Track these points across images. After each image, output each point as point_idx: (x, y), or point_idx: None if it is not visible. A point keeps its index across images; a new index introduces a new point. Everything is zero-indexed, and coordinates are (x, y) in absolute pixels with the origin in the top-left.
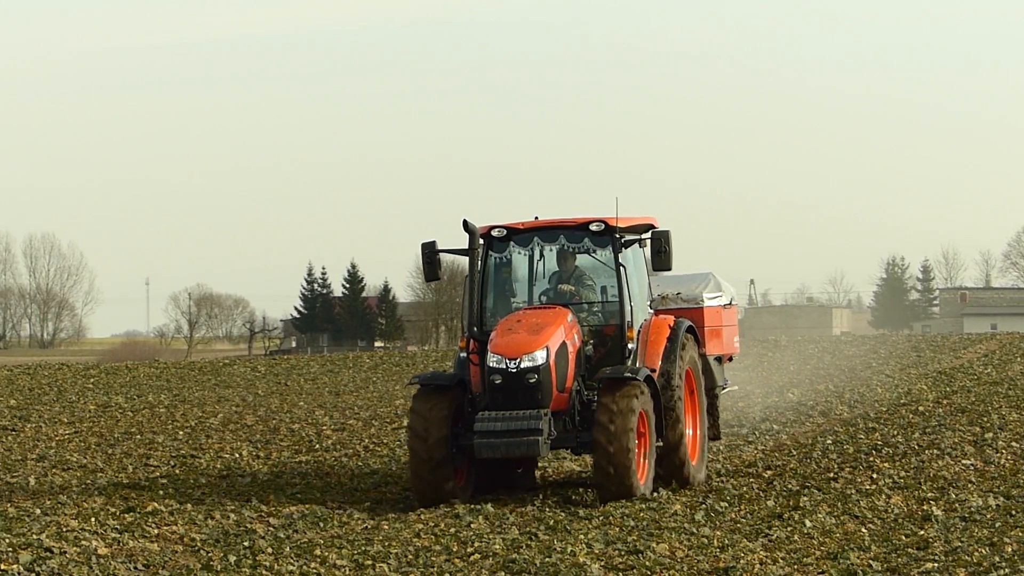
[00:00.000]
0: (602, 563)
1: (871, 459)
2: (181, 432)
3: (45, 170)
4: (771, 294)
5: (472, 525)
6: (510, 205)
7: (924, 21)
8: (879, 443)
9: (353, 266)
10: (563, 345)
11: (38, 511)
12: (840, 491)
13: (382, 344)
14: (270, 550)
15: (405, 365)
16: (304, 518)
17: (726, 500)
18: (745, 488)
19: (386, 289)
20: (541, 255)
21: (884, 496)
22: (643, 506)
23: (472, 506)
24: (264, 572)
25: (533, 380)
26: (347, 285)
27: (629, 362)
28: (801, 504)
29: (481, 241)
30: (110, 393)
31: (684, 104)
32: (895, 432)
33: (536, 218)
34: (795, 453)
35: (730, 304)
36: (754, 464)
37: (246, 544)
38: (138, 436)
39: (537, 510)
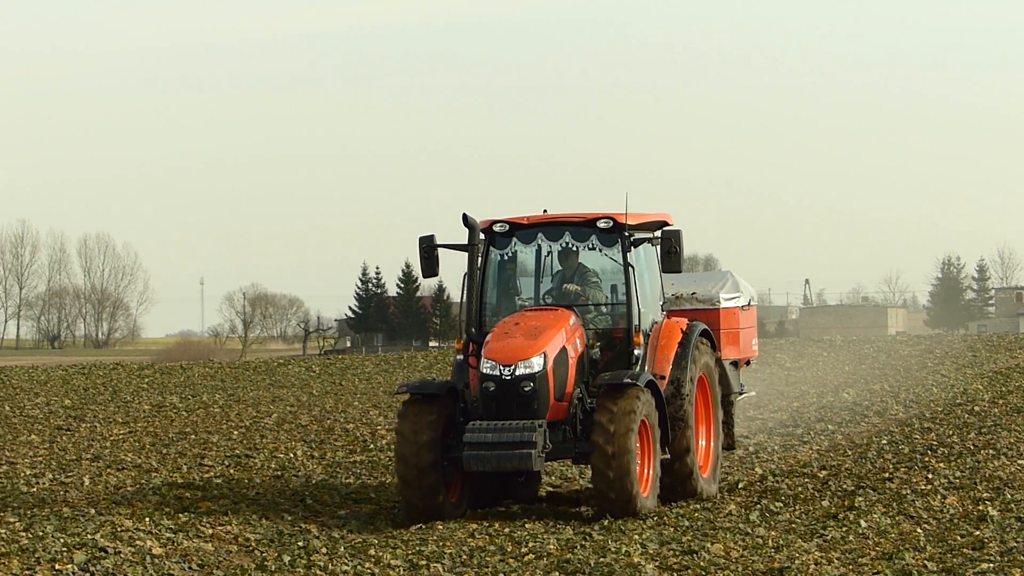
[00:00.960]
0: (656, 563)
1: (926, 459)
2: (235, 432)
3: (100, 170)
4: (826, 294)
5: (526, 525)
6: (569, 203)
7: (979, 22)
8: (934, 443)
9: (407, 266)
10: (563, 351)
11: (92, 511)
12: (895, 491)
13: (436, 344)
14: (324, 550)
15: None
16: (358, 518)
17: (781, 500)
18: (800, 488)
19: (440, 289)
20: (549, 252)
21: (939, 496)
22: (697, 506)
23: (526, 506)
24: (318, 572)
25: (529, 389)
26: (401, 285)
27: (637, 368)
28: (856, 504)
29: (482, 236)
30: (165, 393)
31: (740, 106)
32: (951, 432)
33: (544, 211)
34: (850, 453)
35: (748, 305)
36: (809, 464)
37: (300, 544)
38: (192, 436)
39: (591, 510)
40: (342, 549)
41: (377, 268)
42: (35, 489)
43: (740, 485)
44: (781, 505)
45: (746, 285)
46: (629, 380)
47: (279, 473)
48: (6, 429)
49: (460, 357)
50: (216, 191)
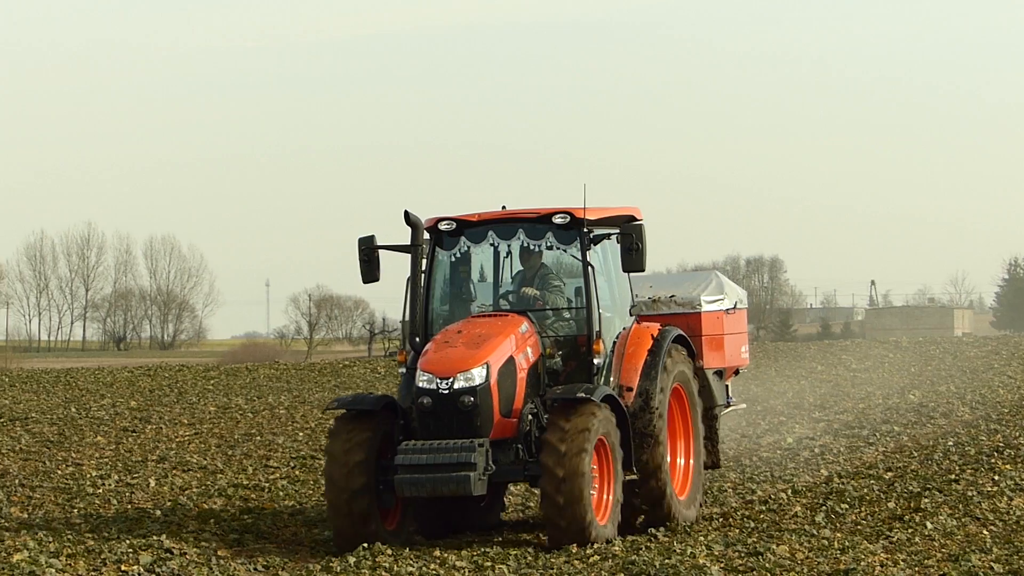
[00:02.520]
0: (722, 565)
1: (993, 461)
2: (301, 433)
3: (166, 172)
4: (892, 295)
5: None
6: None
7: None
8: (1001, 445)
9: None
10: (510, 361)
11: (158, 512)
12: (961, 493)
13: None
14: (390, 551)
15: None
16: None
17: (846, 502)
18: (866, 490)
19: None
20: (508, 252)
21: (1006, 498)
22: (763, 508)
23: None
24: (383, 573)
25: (469, 404)
26: None
27: (600, 379)
28: (922, 506)
29: (427, 236)
30: (230, 394)
31: (805, 109)
32: (1017, 434)
33: (503, 208)
34: (916, 455)
35: (734, 308)
36: (875, 466)
37: (365, 545)
38: (258, 437)
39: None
40: (407, 550)
41: None
42: (101, 490)
43: (806, 487)
44: (847, 507)
45: (733, 287)
46: (583, 395)
47: None
48: (72, 431)
49: (404, 370)
50: (282, 193)
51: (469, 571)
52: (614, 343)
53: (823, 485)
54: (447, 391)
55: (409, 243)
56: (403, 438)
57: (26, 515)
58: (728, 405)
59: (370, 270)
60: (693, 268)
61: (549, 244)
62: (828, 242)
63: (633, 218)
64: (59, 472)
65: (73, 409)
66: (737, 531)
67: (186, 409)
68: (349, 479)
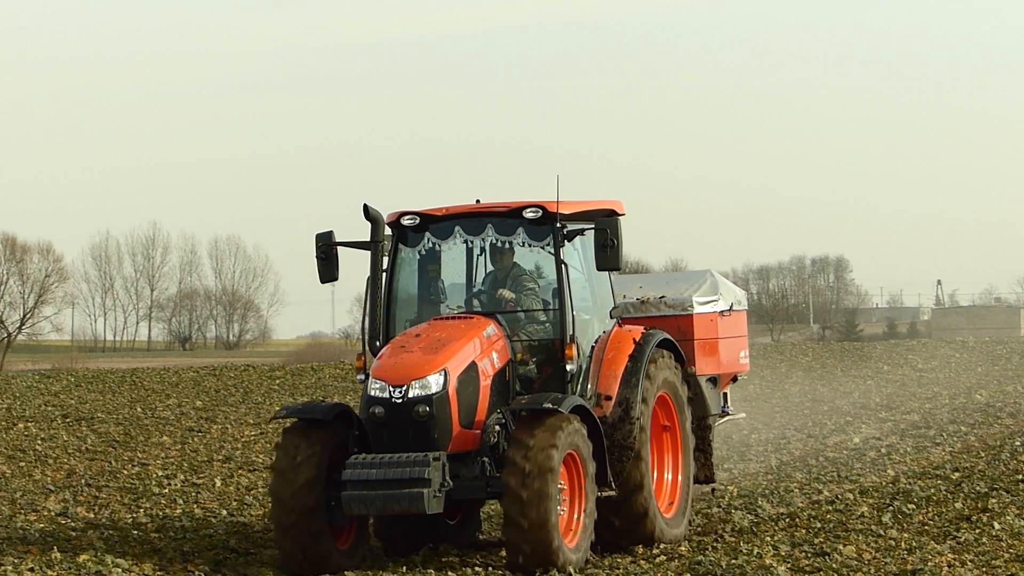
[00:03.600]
0: (788, 565)
1: None
2: None
3: (230, 172)
4: (958, 295)
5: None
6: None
7: None
8: None
9: None
10: (472, 367)
11: (224, 512)
12: None
13: None
14: (455, 550)
15: None
16: (489, 520)
17: (913, 502)
18: (933, 490)
19: None
20: (482, 250)
21: None
22: (829, 508)
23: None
24: (450, 574)
25: (424, 414)
26: None
27: (573, 388)
28: (989, 506)
29: (388, 232)
30: (296, 394)
31: (872, 109)
32: None
33: (477, 202)
34: (983, 455)
35: (730, 310)
36: (942, 466)
37: (431, 545)
38: None
39: (723, 512)
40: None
41: None
42: (167, 490)
43: (872, 487)
44: (914, 507)
45: (729, 287)
46: (549, 405)
47: None
48: (138, 431)
49: (362, 377)
50: (345, 191)
51: (540, 571)
52: (592, 348)
53: (890, 485)
54: (400, 400)
55: (369, 239)
56: (358, 451)
57: (92, 515)
58: (724, 415)
59: (328, 269)
60: (758, 268)
61: (521, 240)
62: (894, 242)
63: (615, 212)
64: (125, 472)
65: (139, 409)
66: (804, 531)
67: (251, 409)
68: (297, 498)
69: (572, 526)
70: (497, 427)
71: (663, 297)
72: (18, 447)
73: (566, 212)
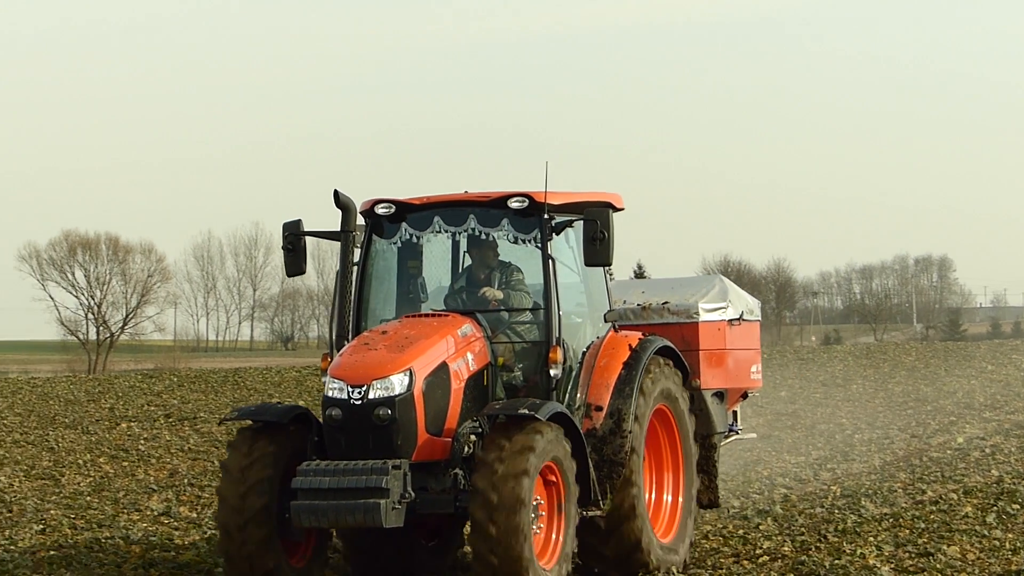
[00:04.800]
0: (892, 566)
1: None
2: None
3: (331, 171)
4: None
5: (760, 527)
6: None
7: None
8: None
9: (639, 266)
10: (442, 368)
11: None
12: None
13: None
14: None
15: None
16: None
17: (1018, 502)
18: None
19: None
20: (469, 244)
21: None
22: (933, 508)
23: (760, 508)
24: None
25: (386, 417)
26: None
27: (560, 396)
28: None
29: (361, 221)
30: None
31: (981, 108)
32: None
33: (465, 192)
34: None
35: (740, 319)
36: None
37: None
38: None
39: (827, 512)
40: None
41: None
42: None
43: (976, 487)
44: (1018, 507)
45: (740, 294)
46: (525, 411)
47: None
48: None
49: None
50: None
51: (642, 572)
52: (583, 354)
53: (994, 485)
54: (360, 402)
55: (340, 229)
56: (317, 457)
57: (195, 515)
58: (731, 433)
59: (295, 260)
60: (861, 268)
61: (506, 233)
62: (998, 240)
63: (612, 206)
64: None
65: None
66: (907, 531)
67: None
68: (245, 500)
69: (549, 546)
70: (473, 436)
71: (666, 303)
72: (121, 447)
73: (555, 203)
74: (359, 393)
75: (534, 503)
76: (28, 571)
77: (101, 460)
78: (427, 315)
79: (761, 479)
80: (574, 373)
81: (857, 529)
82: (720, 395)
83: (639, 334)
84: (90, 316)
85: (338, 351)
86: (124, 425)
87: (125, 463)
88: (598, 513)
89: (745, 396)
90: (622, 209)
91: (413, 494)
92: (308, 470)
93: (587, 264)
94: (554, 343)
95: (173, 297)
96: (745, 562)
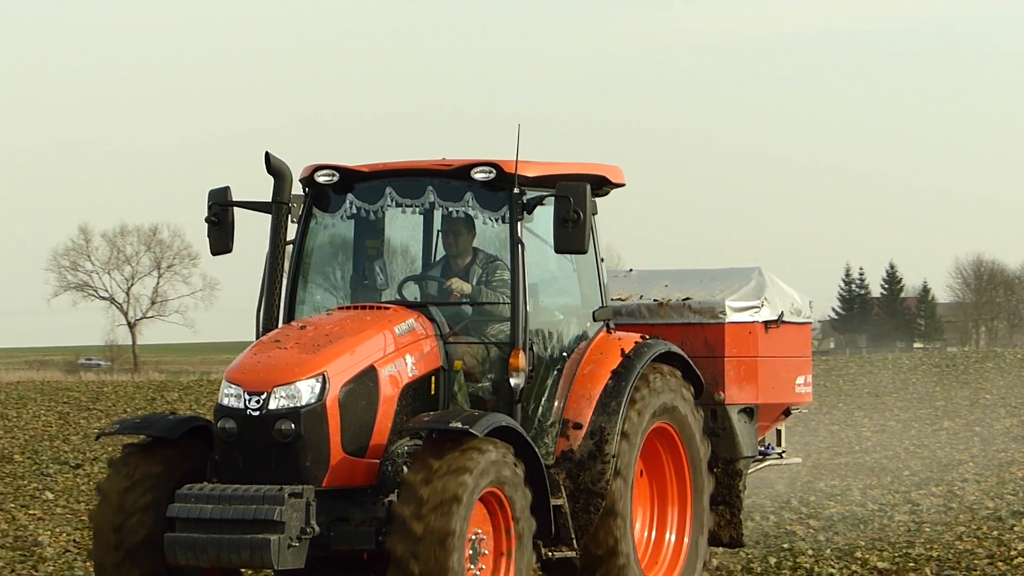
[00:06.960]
0: None
1: None
2: None
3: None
4: None
5: (1015, 528)
6: None
7: None
8: None
9: (892, 266)
10: (368, 373)
11: None
12: None
13: (921, 345)
14: (810, 551)
15: (945, 366)
16: (844, 520)
17: None
18: None
19: (925, 289)
20: (441, 221)
21: None
22: None
23: (1015, 509)
24: (803, 574)
25: (289, 432)
26: (885, 286)
27: (527, 410)
28: None
29: (299, 191)
30: None
31: None
32: None
33: (443, 159)
34: None
35: (780, 321)
36: None
37: (785, 546)
38: None
39: None
40: (828, 551)
41: (860, 269)
42: None
43: None
44: None
45: (784, 289)
46: (459, 424)
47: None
48: None
49: None
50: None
51: (891, 574)
52: (564, 358)
53: None
54: (257, 413)
55: (271, 199)
56: (217, 480)
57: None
58: (767, 455)
59: (221, 237)
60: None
61: (469, 209)
62: None
63: (606, 180)
64: None
65: None
66: None
67: None
68: (122, 531)
69: None
70: (408, 456)
71: (687, 299)
72: None
73: (530, 175)
74: (257, 402)
75: (472, 537)
76: None
77: None
78: (362, 307)
79: (1015, 480)
80: (550, 382)
81: None
82: (749, 412)
83: (636, 336)
84: None
85: None
86: None
87: None
88: (569, 554)
89: (788, 413)
90: (621, 185)
91: (317, 528)
92: (189, 495)
93: (557, 250)
94: (517, 345)
95: None
96: (1000, 564)
